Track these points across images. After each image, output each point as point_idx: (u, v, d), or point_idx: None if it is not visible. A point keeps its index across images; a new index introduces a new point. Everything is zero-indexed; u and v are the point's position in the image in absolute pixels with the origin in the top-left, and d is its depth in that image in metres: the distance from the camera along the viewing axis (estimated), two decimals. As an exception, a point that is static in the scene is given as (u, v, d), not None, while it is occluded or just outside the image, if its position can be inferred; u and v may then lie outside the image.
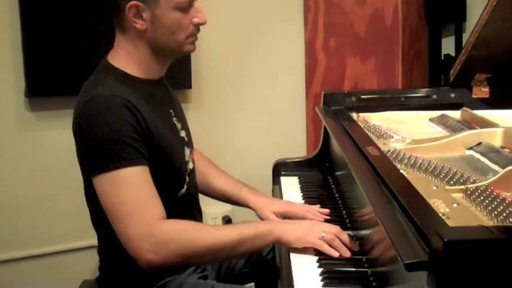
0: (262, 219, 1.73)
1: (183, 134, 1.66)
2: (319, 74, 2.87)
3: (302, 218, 1.64)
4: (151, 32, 1.50)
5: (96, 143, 1.41)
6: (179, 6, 1.50)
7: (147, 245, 1.38)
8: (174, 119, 1.64)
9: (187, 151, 1.66)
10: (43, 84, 2.38)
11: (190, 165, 1.68)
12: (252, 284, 1.93)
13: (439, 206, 1.12)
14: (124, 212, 1.40)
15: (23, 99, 2.40)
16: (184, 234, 1.43)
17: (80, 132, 1.47)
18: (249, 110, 2.87)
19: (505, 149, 1.57)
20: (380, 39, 2.73)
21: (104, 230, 1.51)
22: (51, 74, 2.38)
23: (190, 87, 2.66)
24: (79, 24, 2.39)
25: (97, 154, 1.42)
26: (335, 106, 2.08)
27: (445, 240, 0.74)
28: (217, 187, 1.88)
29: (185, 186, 1.62)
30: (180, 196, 1.61)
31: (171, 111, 1.64)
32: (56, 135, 2.47)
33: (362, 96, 2.10)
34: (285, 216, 1.70)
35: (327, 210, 1.68)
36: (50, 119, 2.48)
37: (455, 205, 1.13)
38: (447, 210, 1.10)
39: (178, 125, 1.65)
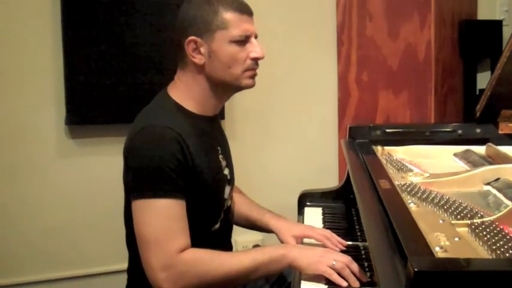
0: (282, 242, 1.76)
1: (226, 171, 1.71)
2: (351, 107, 2.91)
3: (321, 244, 1.68)
4: (208, 66, 1.58)
5: (141, 170, 1.49)
6: (235, 40, 1.56)
7: (165, 276, 1.44)
8: (221, 156, 1.69)
9: (227, 189, 1.71)
10: (82, 112, 2.51)
11: (228, 203, 1.74)
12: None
13: (441, 239, 1.14)
14: (149, 239, 1.47)
15: (63, 127, 2.52)
16: (200, 264, 1.47)
17: (129, 157, 1.55)
18: (281, 141, 2.93)
19: (523, 185, 1.57)
20: (413, 73, 2.75)
21: (135, 251, 1.56)
22: (90, 103, 2.51)
23: (223, 118, 2.73)
24: (119, 54, 2.52)
25: (139, 180, 1.50)
26: (360, 139, 2.11)
27: (416, 270, 0.77)
28: (243, 213, 1.92)
29: (219, 223, 1.68)
30: (213, 231, 1.66)
31: (218, 148, 1.70)
32: (93, 162, 2.58)
33: (387, 130, 2.13)
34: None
35: (345, 242, 1.70)
36: (89, 146, 2.59)
37: (456, 239, 1.15)
38: (447, 243, 1.12)
39: (224, 163, 1.70)
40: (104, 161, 2.60)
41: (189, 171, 1.52)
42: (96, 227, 2.62)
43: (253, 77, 1.62)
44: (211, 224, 1.66)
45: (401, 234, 0.99)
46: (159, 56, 2.58)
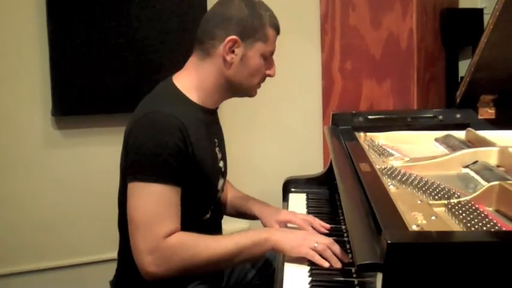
0: (266, 227, 1.81)
1: (221, 164, 1.75)
2: (335, 95, 2.95)
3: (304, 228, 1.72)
4: (234, 68, 1.63)
5: (141, 153, 1.51)
6: (264, 55, 1.65)
7: (150, 259, 1.48)
8: (217, 148, 1.73)
9: (221, 181, 1.75)
10: (68, 103, 2.52)
11: (220, 194, 1.78)
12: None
13: (418, 218, 1.17)
14: (138, 222, 1.50)
15: (49, 117, 2.54)
16: (186, 248, 1.50)
17: (131, 139, 1.56)
18: (266, 130, 2.96)
19: (500, 168, 1.61)
20: (395, 61, 2.79)
21: (126, 234, 1.59)
22: (76, 94, 2.53)
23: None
24: (104, 45, 2.54)
25: (138, 163, 1.52)
26: (343, 126, 2.15)
27: (389, 242, 0.81)
28: (228, 202, 1.97)
29: (210, 212, 1.71)
30: (204, 220, 1.69)
31: (215, 140, 1.74)
32: (80, 152, 2.61)
33: (369, 117, 2.17)
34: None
35: (328, 226, 1.74)
36: (75, 137, 2.61)
37: (433, 218, 1.18)
38: (424, 222, 1.15)
39: (219, 155, 1.74)
40: (91, 151, 2.62)
41: (188, 159, 1.54)
42: (84, 217, 2.64)
43: (258, 88, 1.73)
44: (203, 213, 1.69)
45: (378, 211, 1.03)
46: (145, 47, 2.60)
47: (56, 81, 2.49)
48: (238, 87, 1.67)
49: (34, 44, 2.49)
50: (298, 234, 1.55)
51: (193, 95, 1.64)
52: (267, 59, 1.68)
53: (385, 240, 0.82)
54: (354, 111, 2.19)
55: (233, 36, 1.59)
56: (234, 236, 1.55)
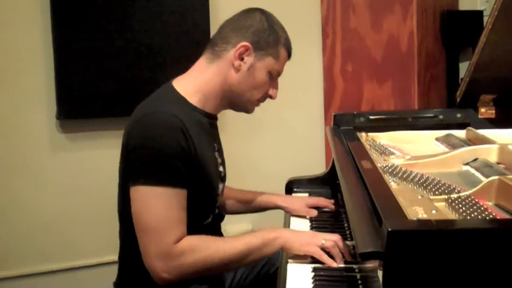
0: (295, 215, 1.91)
1: (221, 169, 1.75)
2: (337, 97, 2.98)
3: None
4: (239, 76, 1.63)
5: (144, 155, 1.47)
6: (271, 72, 1.67)
7: (162, 265, 1.47)
8: (216, 153, 1.72)
9: (221, 185, 1.75)
10: (73, 107, 2.55)
11: (220, 199, 1.78)
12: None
13: (418, 212, 1.19)
14: (148, 228, 1.48)
15: (54, 121, 2.57)
16: (197, 253, 1.49)
17: (131, 142, 1.52)
18: (269, 132, 2.99)
19: (500, 165, 1.63)
20: (396, 63, 2.82)
21: (128, 239, 1.60)
22: (81, 98, 2.55)
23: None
24: (109, 49, 2.57)
25: (142, 165, 1.48)
26: (345, 126, 2.17)
27: (389, 229, 0.83)
28: (234, 198, 2.00)
29: (211, 217, 1.71)
30: (205, 225, 1.69)
31: (215, 145, 1.73)
32: (85, 156, 2.63)
33: (370, 117, 2.19)
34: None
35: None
36: (80, 140, 2.64)
37: (434, 212, 1.20)
38: (424, 216, 1.17)
39: (219, 160, 1.74)
40: (96, 154, 2.64)
41: (191, 161, 1.52)
42: (89, 220, 2.66)
43: (257, 106, 1.73)
44: (205, 217, 1.68)
45: (379, 203, 1.05)
46: (151, 52, 2.63)
47: (61, 84, 2.52)
48: (238, 98, 1.66)
49: (39, 48, 2.52)
50: (307, 233, 1.58)
51: (193, 99, 1.63)
52: (273, 78, 1.69)
53: (386, 229, 0.84)
54: (355, 112, 2.21)
55: (246, 43, 1.60)
56: (244, 236, 1.55)
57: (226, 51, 1.62)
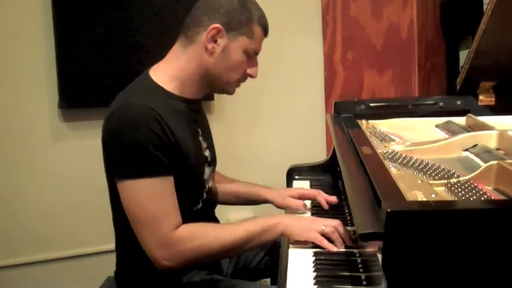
0: (280, 207, 1.89)
1: (207, 153, 1.73)
2: (337, 85, 2.99)
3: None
4: (214, 58, 1.60)
5: (124, 149, 1.47)
6: (247, 51, 1.63)
7: (163, 253, 1.49)
8: (201, 138, 1.70)
9: (207, 169, 1.73)
10: (75, 96, 2.56)
11: (210, 183, 1.76)
12: (268, 279, 2.03)
13: (418, 196, 1.21)
14: (144, 219, 1.49)
15: (56, 110, 2.58)
16: (196, 239, 1.51)
17: (109, 137, 1.53)
18: (270, 120, 3.00)
19: (499, 150, 1.65)
20: (396, 52, 2.82)
21: (123, 230, 1.62)
22: (83, 87, 2.56)
23: (212, 98, 2.79)
24: (110, 38, 2.58)
25: (124, 160, 1.48)
26: (345, 113, 2.19)
27: (388, 210, 0.85)
28: (229, 191, 1.99)
29: (201, 203, 1.70)
30: (195, 211, 1.68)
31: (198, 129, 1.71)
32: (87, 145, 2.64)
33: (371, 104, 2.20)
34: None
35: (334, 198, 1.82)
36: (81, 129, 2.65)
37: (433, 195, 1.22)
38: (424, 199, 1.19)
39: (204, 144, 1.71)
40: (98, 143, 2.60)
41: (171, 148, 1.51)
42: (90, 209, 2.68)
43: (237, 87, 1.70)
44: (193, 204, 1.67)
45: (378, 186, 1.07)
46: (151, 40, 2.63)
47: (63, 73, 2.53)
48: (216, 80, 1.64)
49: (40, 38, 2.53)
50: (306, 219, 1.59)
51: (169, 86, 1.61)
52: (250, 57, 1.65)
53: (385, 209, 0.86)
54: (355, 99, 2.23)
55: (217, 25, 1.57)
56: (244, 223, 1.56)
57: (198, 35, 1.59)
